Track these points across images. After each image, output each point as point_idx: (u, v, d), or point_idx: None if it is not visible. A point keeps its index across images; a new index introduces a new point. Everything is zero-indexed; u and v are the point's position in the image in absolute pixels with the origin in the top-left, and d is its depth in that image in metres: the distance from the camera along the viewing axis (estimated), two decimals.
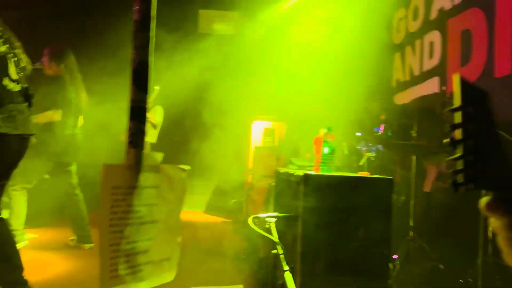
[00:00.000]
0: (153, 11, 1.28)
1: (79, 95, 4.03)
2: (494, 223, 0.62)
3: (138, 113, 1.30)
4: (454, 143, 0.59)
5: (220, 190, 6.25)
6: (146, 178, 1.28)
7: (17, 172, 3.80)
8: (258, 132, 5.82)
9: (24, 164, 3.82)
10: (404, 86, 5.77)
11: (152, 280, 1.29)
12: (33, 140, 2.69)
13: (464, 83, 0.60)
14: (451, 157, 0.60)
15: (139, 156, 1.27)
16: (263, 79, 6.48)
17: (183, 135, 5.72)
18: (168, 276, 1.37)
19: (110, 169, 1.18)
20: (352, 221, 2.15)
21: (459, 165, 0.59)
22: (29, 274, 2.50)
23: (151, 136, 5.26)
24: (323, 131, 2.41)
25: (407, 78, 5.70)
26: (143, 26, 1.27)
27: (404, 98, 5.62)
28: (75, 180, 4.13)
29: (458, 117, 0.59)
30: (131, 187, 1.23)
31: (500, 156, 0.60)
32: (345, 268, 2.13)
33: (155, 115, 5.25)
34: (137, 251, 1.25)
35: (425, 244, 3.16)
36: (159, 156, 1.32)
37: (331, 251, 2.12)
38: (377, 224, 2.17)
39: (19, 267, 2.47)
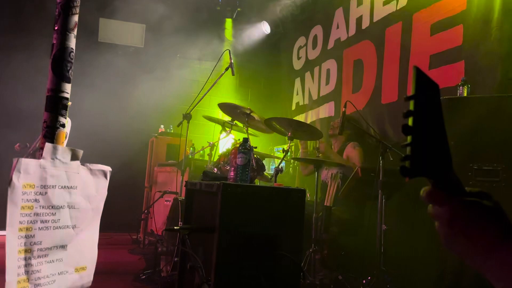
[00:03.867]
0: None
1: None
2: (432, 211, 0.65)
3: (57, 104, 1.17)
4: (405, 130, 0.61)
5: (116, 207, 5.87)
6: (63, 177, 1.14)
7: None
8: (160, 148, 5.63)
9: None
10: (303, 109, 6.13)
11: None
12: None
13: (419, 75, 0.63)
14: (403, 144, 0.61)
15: (56, 152, 1.13)
16: (169, 94, 6.36)
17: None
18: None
19: (22, 164, 1.03)
20: (267, 231, 2.17)
21: (408, 151, 0.60)
22: None
23: None
24: (239, 142, 2.42)
25: (306, 102, 6.06)
26: (67, 8, 1.15)
27: (303, 120, 5.95)
28: None
29: (411, 105, 0.62)
30: (46, 187, 1.08)
31: (444, 146, 0.63)
32: (259, 279, 2.12)
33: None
34: (50, 259, 1.09)
35: (325, 256, 3.32)
36: (78, 153, 1.19)
37: (246, 261, 2.10)
38: (290, 234, 2.22)
39: None
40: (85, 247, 1.23)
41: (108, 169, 1.29)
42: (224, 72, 4.21)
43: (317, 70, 5.78)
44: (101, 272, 3.93)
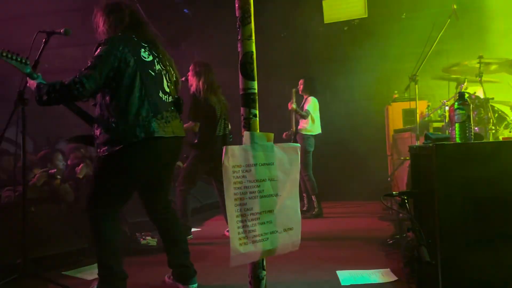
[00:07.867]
0: (251, 5, 1.41)
1: (221, 102, 4.48)
2: None
3: (248, 100, 1.44)
4: None
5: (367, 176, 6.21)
6: (261, 157, 1.41)
7: (185, 174, 4.42)
8: (396, 114, 5.56)
9: (190, 168, 4.44)
10: None
11: (277, 247, 1.42)
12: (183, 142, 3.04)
13: None
14: None
15: (253, 137, 1.41)
16: (398, 58, 6.20)
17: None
18: (293, 245, 1.47)
19: (229, 150, 1.35)
20: (496, 190, 1.93)
21: None
22: (194, 261, 2.89)
23: (303, 123, 5.53)
24: (455, 98, 2.23)
25: None
26: (244, 20, 1.41)
27: None
28: None
29: None
30: (249, 165, 1.38)
31: None
32: (491, 241, 1.93)
33: (308, 105, 5.53)
34: (261, 221, 1.39)
35: None
36: (270, 136, 1.45)
37: (473, 224, 1.94)
38: None
39: (186, 252, 2.86)
40: (289, 211, 1.48)
41: (297, 146, 1.51)
42: (448, 21, 3.81)
43: None
44: (351, 237, 4.29)
